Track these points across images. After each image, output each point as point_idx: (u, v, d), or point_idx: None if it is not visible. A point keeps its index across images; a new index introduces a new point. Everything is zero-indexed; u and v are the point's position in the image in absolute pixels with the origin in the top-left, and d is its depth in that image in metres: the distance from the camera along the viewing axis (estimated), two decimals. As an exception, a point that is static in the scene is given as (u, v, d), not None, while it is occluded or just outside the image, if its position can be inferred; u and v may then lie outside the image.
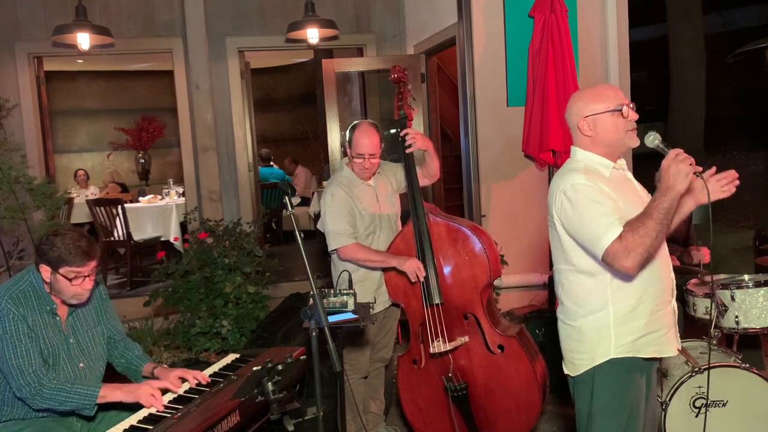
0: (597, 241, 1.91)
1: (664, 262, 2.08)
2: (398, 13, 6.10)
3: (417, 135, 3.10)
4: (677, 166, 1.82)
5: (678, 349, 2.14)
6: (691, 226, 3.88)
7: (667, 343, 2.10)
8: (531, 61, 4.31)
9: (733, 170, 2.05)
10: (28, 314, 2.25)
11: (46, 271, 2.27)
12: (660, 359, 2.18)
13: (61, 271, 2.24)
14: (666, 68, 9.87)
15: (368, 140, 3.06)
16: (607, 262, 1.91)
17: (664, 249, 2.09)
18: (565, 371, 2.20)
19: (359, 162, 3.09)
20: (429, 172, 3.24)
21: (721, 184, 2.04)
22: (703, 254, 3.55)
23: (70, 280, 2.25)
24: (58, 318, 2.35)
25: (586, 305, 2.06)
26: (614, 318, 2.03)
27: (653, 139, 1.96)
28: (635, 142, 2.04)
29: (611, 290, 2.02)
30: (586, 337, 2.08)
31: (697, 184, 2.02)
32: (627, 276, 1.99)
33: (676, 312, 2.16)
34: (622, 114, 2.00)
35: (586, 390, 2.12)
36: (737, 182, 2.04)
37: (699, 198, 2.10)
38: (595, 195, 1.94)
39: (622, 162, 2.13)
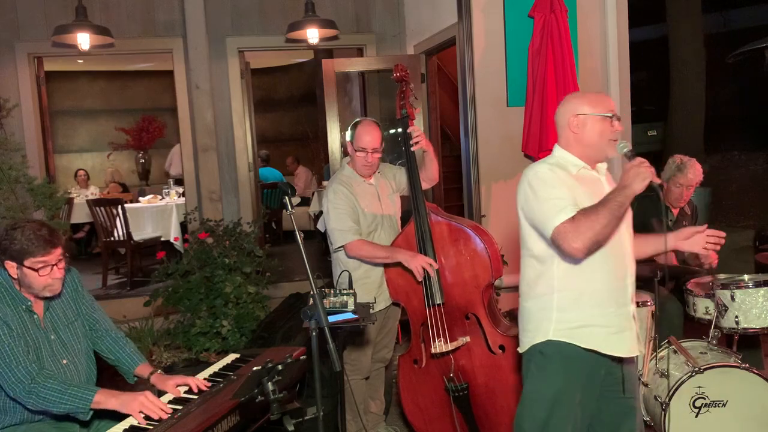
0: (549, 219, 2.03)
1: (617, 267, 2.16)
2: (398, 13, 6.10)
3: (422, 134, 3.15)
4: (638, 170, 2.00)
5: (635, 353, 2.20)
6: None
7: (614, 342, 2.15)
8: (531, 61, 4.31)
9: (723, 233, 2.28)
10: (5, 312, 2.20)
11: (11, 267, 2.22)
12: (622, 361, 2.21)
13: (27, 263, 2.19)
14: (666, 68, 9.86)
15: (370, 135, 3.09)
16: (556, 241, 2.02)
17: (621, 255, 2.17)
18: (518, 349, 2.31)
19: (361, 157, 3.10)
20: (428, 175, 3.25)
21: (709, 241, 2.26)
22: (712, 257, 3.55)
23: (37, 270, 2.20)
24: (35, 315, 2.30)
25: (535, 288, 2.21)
26: (557, 304, 2.15)
27: (623, 147, 2.13)
28: (613, 153, 2.17)
29: (557, 278, 2.15)
30: (532, 317, 2.22)
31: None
32: (573, 265, 2.10)
33: (637, 319, 2.22)
34: (611, 122, 2.15)
35: (526, 371, 2.24)
36: (719, 247, 2.27)
37: (681, 245, 2.31)
38: (554, 181, 2.09)
39: (602, 166, 2.26)
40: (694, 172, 3.64)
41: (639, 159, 2.04)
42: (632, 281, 2.21)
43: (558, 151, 2.24)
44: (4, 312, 2.20)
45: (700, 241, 2.28)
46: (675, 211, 3.76)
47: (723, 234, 2.29)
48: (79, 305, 2.47)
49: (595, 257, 2.08)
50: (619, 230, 2.12)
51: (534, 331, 2.19)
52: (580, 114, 2.17)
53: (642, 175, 1.98)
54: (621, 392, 2.22)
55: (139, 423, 2.14)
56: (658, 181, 2.02)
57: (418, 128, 3.17)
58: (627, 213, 2.17)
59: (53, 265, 2.24)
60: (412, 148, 3.13)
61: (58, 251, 2.25)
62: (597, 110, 2.16)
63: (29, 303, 2.28)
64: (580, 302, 2.12)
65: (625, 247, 2.18)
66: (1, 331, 2.17)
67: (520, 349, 2.27)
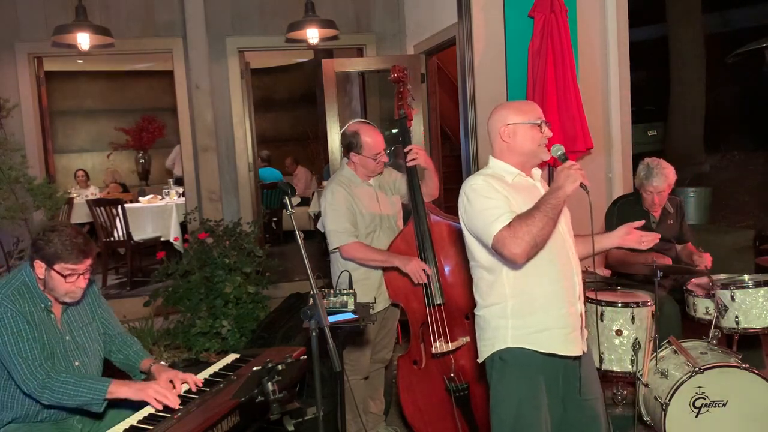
0: (488, 228, 2.06)
1: (564, 267, 2.19)
2: (398, 13, 6.10)
3: (420, 151, 3.11)
4: (569, 172, 2.06)
5: (584, 351, 2.22)
6: (684, 224, 3.86)
7: (570, 343, 2.18)
8: (531, 61, 4.30)
9: (655, 235, 2.40)
10: (26, 310, 2.24)
11: (40, 267, 2.25)
12: (579, 360, 2.22)
13: (56, 267, 2.23)
14: (666, 68, 9.84)
15: (379, 138, 3.11)
16: (497, 249, 2.05)
17: (566, 255, 2.20)
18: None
19: (372, 161, 3.10)
20: (428, 191, 3.23)
21: (645, 240, 2.36)
22: (706, 261, 3.55)
23: (64, 276, 2.24)
24: (53, 316, 2.34)
25: (488, 298, 2.21)
26: (511, 310, 2.16)
27: (557, 150, 2.21)
28: (546, 156, 2.24)
29: (508, 285, 2.16)
30: (488, 325, 2.21)
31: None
32: (522, 270, 2.12)
33: (584, 317, 2.25)
34: (540, 129, 2.21)
35: (489, 379, 2.24)
36: (650, 245, 2.38)
37: (621, 242, 2.38)
38: (489, 192, 2.12)
39: (537, 172, 2.31)
40: (660, 179, 3.57)
41: (570, 162, 2.12)
42: (579, 279, 2.24)
43: (493, 162, 2.28)
44: (24, 310, 2.24)
45: (637, 237, 2.35)
46: (656, 213, 3.74)
47: (655, 236, 2.39)
48: (95, 308, 2.52)
49: (543, 260, 2.11)
50: (560, 231, 2.17)
51: (491, 339, 2.20)
52: (510, 123, 2.21)
53: (572, 177, 2.05)
54: (578, 393, 2.22)
55: (156, 410, 2.17)
56: (587, 183, 2.08)
57: (417, 147, 3.13)
58: (565, 213, 2.24)
59: (80, 274, 2.28)
60: (409, 164, 3.11)
61: (89, 261, 2.29)
62: (526, 118, 2.21)
63: (49, 303, 2.32)
64: (535, 306, 2.14)
65: (568, 246, 2.22)
66: (23, 327, 2.21)
67: (479, 359, 2.27)
